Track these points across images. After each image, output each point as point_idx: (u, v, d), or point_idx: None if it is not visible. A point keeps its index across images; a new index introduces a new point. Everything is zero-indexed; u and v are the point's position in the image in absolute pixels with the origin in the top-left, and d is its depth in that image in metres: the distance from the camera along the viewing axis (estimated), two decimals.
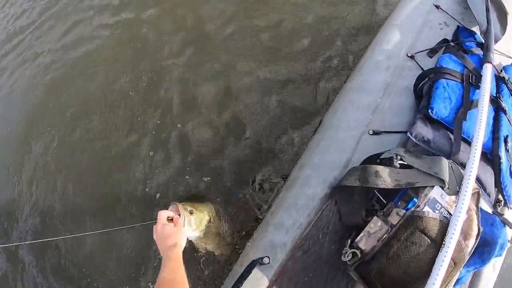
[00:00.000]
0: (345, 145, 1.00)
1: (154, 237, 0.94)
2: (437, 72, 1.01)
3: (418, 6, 1.41)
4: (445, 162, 0.82)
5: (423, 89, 1.01)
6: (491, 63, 1.06)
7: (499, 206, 1.07)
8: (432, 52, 1.17)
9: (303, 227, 0.94)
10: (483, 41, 1.20)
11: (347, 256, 0.78)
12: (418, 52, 1.16)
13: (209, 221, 1.25)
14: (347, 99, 1.10)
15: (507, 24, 1.39)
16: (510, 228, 0.98)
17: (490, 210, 1.02)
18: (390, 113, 1.03)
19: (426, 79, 1.02)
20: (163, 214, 0.98)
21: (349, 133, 1.02)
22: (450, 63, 1.05)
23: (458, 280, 0.95)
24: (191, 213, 1.15)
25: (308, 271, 0.93)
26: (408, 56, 1.16)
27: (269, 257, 0.92)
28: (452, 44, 1.15)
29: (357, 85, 1.13)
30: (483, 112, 0.92)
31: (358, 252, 0.77)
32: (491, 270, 1.05)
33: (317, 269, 0.94)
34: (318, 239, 0.94)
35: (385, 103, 1.05)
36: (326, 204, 0.94)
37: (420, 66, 1.12)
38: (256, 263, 0.92)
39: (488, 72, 1.02)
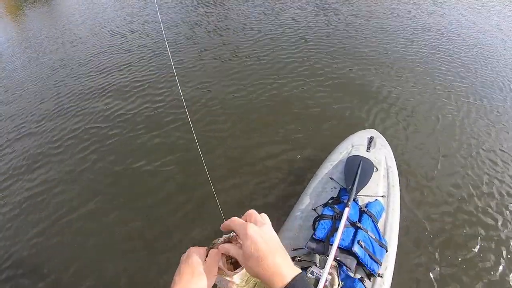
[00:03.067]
0: None
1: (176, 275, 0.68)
2: (320, 216, 2.26)
3: (321, 179, 2.77)
4: (319, 256, 1.98)
5: (314, 225, 2.24)
6: (348, 207, 2.31)
7: (370, 277, 2.12)
8: (324, 205, 2.44)
9: None
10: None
11: None
12: (317, 207, 2.43)
13: None
14: None
15: (370, 177, 2.67)
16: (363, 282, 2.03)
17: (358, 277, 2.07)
18: (303, 238, 2.23)
19: (317, 220, 2.26)
20: (199, 249, 0.73)
21: None
22: (327, 211, 2.30)
23: None
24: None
25: None
26: (312, 209, 2.43)
27: None
28: (330, 201, 2.43)
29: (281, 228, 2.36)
30: (339, 231, 2.11)
31: None
32: None
33: None
34: None
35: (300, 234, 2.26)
36: None
37: (317, 213, 2.38)
38: None
39: (345, 212, 2.26)
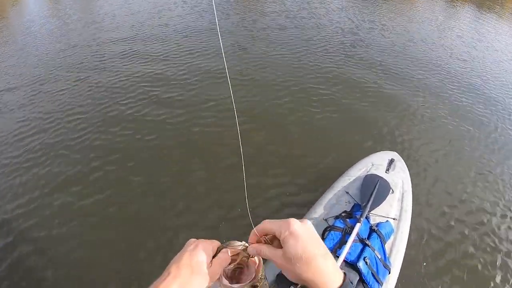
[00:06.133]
0: None
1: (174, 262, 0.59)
2: (330, 227, 2.31)
3: (337, 192, 2.82)
4: None
5: (324, 235, 2.30)
6: (360, 222, 2.35)
7: None
8: (336, 217, 2.49)
9: None
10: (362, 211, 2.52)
11: None
12: (329, 217, 2.49)
13: None
14: None
15: (384, 198, 2.70)
16: None
17: None
18: None
19: (327, 231, 2.32)
20: (209, 245, 0.62)
21: None
22: (338, 223, 2.35)
23: None
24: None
25: None
26: (324, 219, 2.48)
27: None
28: (343, 214, 2.48)
29: None
30: (348, 244, 2.16)
31: None
32: None
33: None
34: None
35: None
36: None
37: (329, 225, 2.43)
38: None
39: (356, 227, 2.31)
